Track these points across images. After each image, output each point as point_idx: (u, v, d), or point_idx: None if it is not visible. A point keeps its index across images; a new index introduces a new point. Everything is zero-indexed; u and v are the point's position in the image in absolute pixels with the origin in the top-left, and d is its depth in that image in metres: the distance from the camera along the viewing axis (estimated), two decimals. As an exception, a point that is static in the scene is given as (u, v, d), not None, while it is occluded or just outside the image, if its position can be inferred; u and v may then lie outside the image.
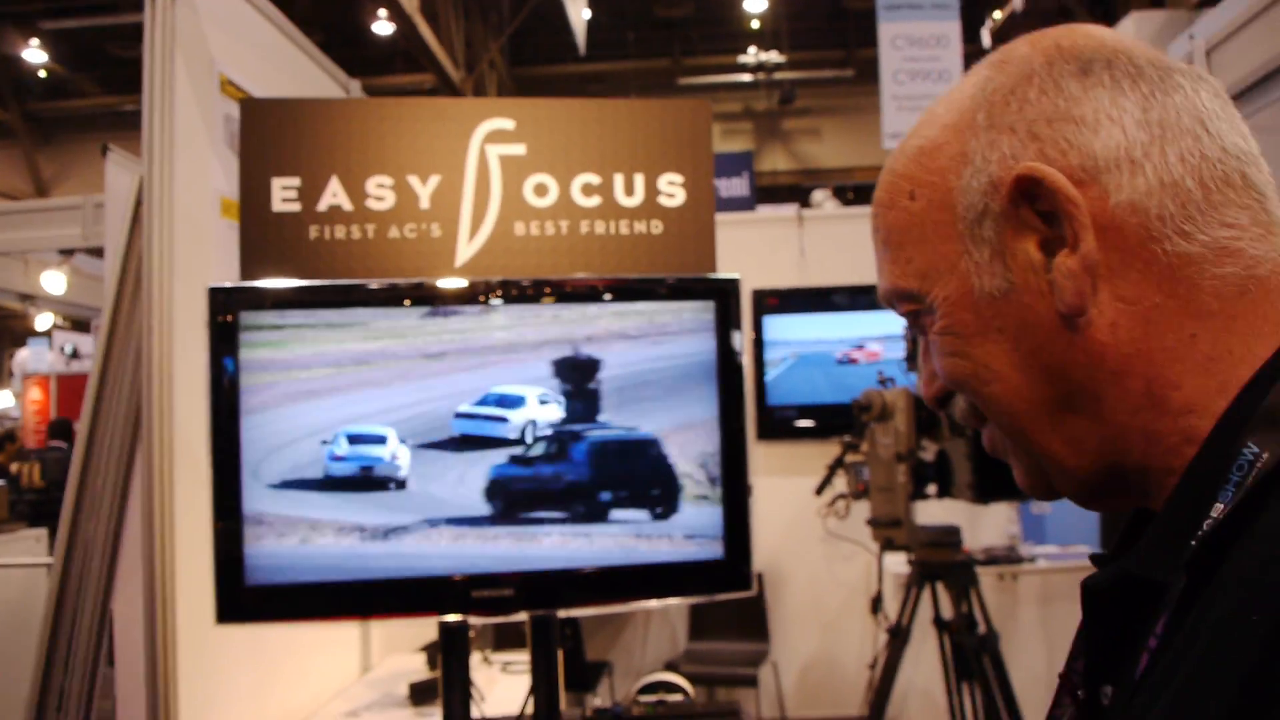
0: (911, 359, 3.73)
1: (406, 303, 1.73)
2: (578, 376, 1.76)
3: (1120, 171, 0.57)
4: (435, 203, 1.95)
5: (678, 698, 1.89)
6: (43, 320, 7.46)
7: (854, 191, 14.34)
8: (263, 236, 1.91)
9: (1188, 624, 0.50)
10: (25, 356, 12.10)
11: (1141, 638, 0.54)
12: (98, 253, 5.75)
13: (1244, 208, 0.57)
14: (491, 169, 1.95)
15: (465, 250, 1.94)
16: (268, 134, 1.92)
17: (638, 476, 1.80)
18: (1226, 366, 0.56)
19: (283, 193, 1.91)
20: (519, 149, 1.96)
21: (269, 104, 1.97)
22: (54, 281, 4.84)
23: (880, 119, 7.78)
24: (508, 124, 1.99)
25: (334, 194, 1.92)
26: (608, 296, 1.79)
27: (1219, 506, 0.51)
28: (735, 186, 7.42)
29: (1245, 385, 0.55)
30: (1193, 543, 0.51)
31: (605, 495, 1.77)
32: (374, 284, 1.78)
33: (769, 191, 13.49)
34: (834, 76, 13.63)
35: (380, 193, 1.93)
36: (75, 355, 10.13)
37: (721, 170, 6.60)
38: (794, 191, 12.90)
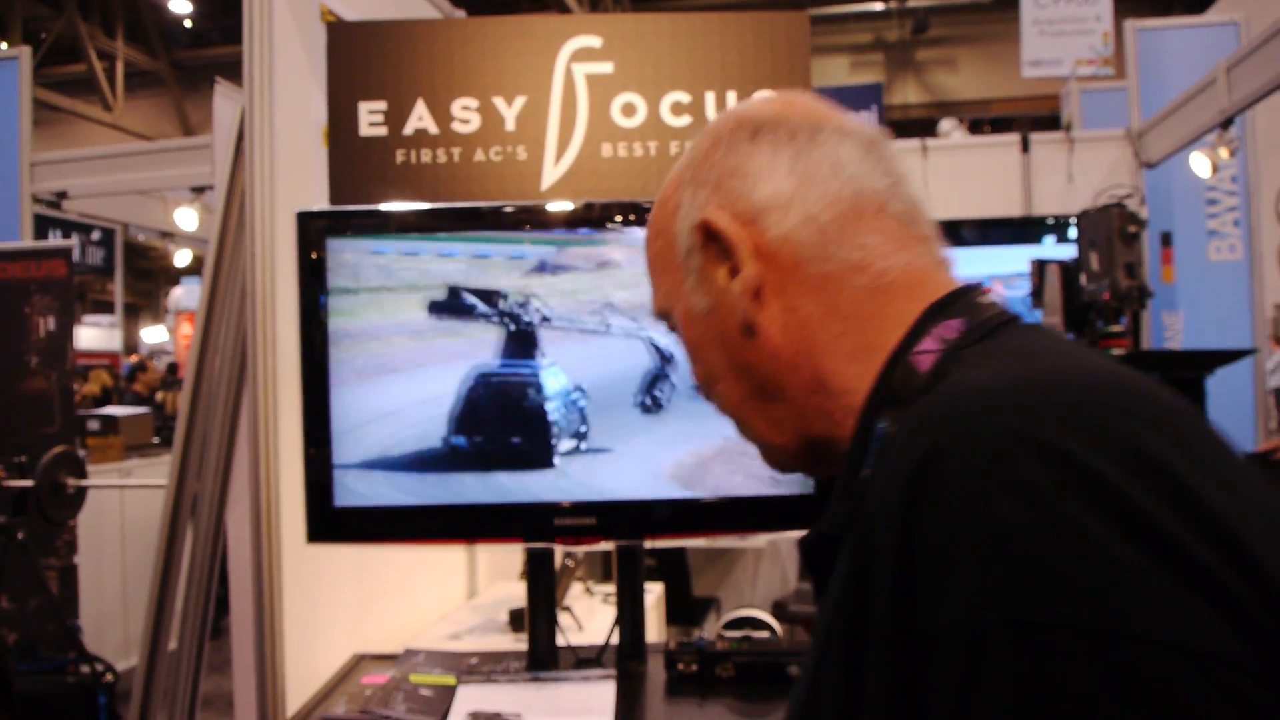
0: (1037, 294, 3.54)
1: (526, 227, 1.69)
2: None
3: (774, 211, 0.73)
4: (521, 125, 1.90)
5: (764, 634, 1.85)
6: (181, 256, 7.84)
7: (991, 124, 13.69)
8: (350, 162, 1.91)
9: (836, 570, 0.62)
10: (179, 294, 12.79)
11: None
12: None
13: (875, 230, 0.72)
14: (578, 88, 1.89)
15: (551, 173, 1.90)
16: (353, 57, 1.91)
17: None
18: (868, 355, 0.69)
19: (369, 117, 1.90)
20: (606, 67, 1.90)
21: (354, 27, 1.95)
22: (186, 218, 5.05)
23: (1020, 45, 7.36)
24: (594, 41, 1.93)
25: (420, 117, 1.90)
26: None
27: (867, 471, 0.64)
28: (863, 121, 7.17)
29: (881, 369, 0.68)
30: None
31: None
32: (451, 208, 1.75)
33: (900, 125, 13.00)
34: (971, 2, 12.97)
35: (465, 115, 1.90)
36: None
37: (848, 104, 6.34)
38: (926, 125, 12.40)
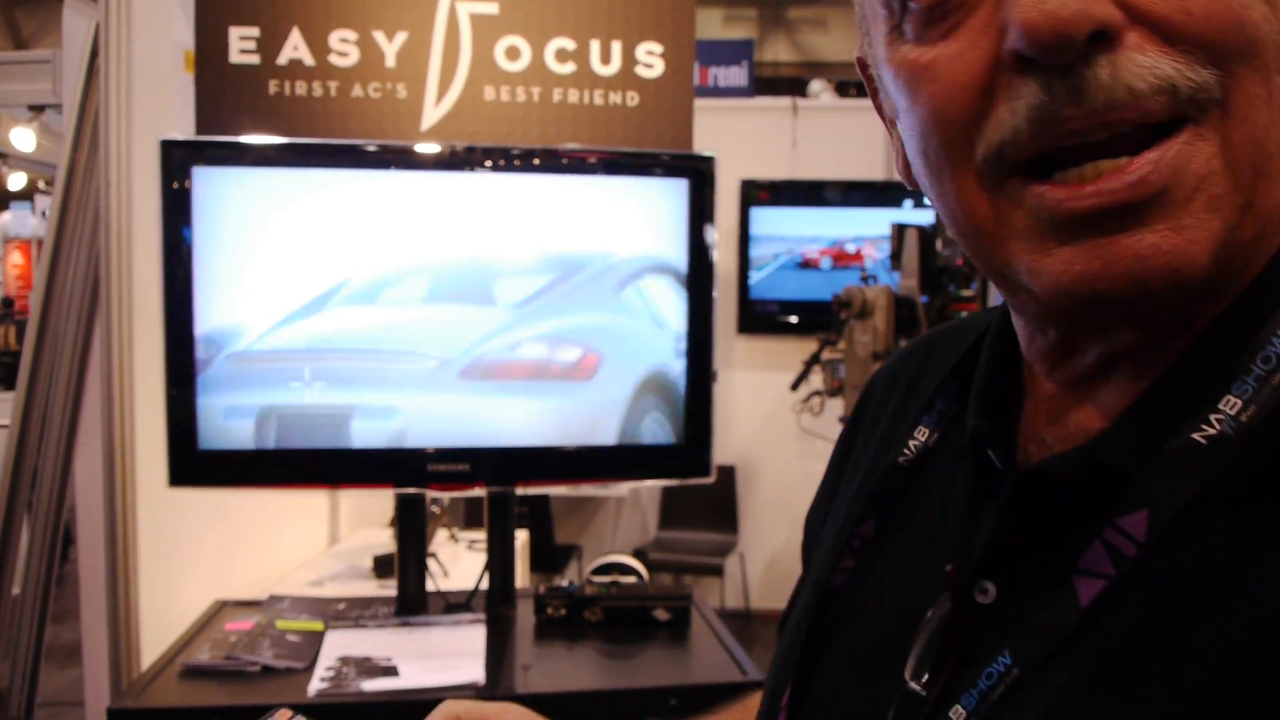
0: (895, 257, 3.68)
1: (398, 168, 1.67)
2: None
3: None
4: (401, 61, 1.85)
5: (631, 579, 1.90)
6: (15, 179, 7.26)
7: (856, 88, 14.01)
8: (219, 90, 1.82)
9: (1192, 544, 0.42)
10: (7, 220, 11.90)
11: (1076, 534, 0.46)
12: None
13: None
14: (462, 28, 1.85)
15: (432, 114, 1.85)
16: (225, -22, 1.82)
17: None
18: None
19: (240, 43, 1.81)
20: (491, 7, 1.86)
21: (226, -54, 1.85)
22: (23, 139, 4.68)
23: (887, 11, 7.52)
24: (481, -19, 1.89)
25: (295, 47, 1.82)
26: (575, 170, 1.74)
27: (1233, 400, 0.43)
28: (734, 76, 7.19)
29: None
30: (1199, 439, 0.43)
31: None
32: (361, 144, 1.71)
33: (769, 83, 13.12)
34: (843, -35, 13.17)
35: (344, 48, 1.84)
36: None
37: (720, 58, 6.40)
38: (795, 84, 12.57)
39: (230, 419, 1.67)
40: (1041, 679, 0.44)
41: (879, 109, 0.56)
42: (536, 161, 1.74)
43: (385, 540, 2.95)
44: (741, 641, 1.68)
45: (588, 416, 1.74)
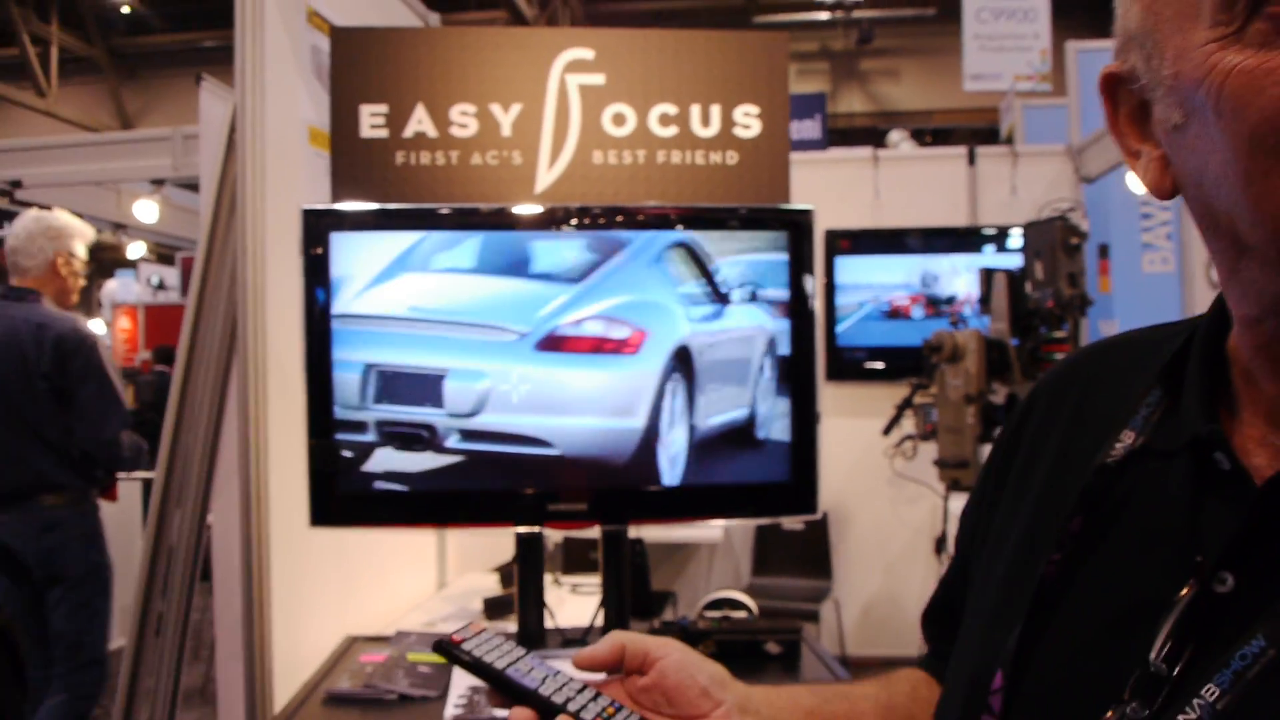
0: (985, 301, 3.71)
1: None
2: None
3: None
4: (517, 130, 2.00)
5: (742, 614, 1.97)
6: (134, 249, 7.75)
7: (932, 135, 14.01)
8: (351, 162, 1.98)
9: None
10: (113, 287, 12.55)
11: None
12: (186, 184, 5.96)
13: None
14: (571, 98, 1.99)
15: (545, 178, 1.99)
16: (356, 62, 1.99)
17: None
18: None
19: (371, 119, 1.98)
20: (598, 79, 2.00)
21: (358, 33, 2.03)
22: (146, 210, 5.01)
23: (961, 59, 7.58)
24: (587, 54, 2.03)
25: (419, 121, 1.98)
26: (680, 226, 1.84)
27: None
28: (807, 129, 7.29)
29: None
30: None
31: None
32: (448, 208, 1.84)
33: (844, 134, 13.23)
34: (915, 15, 13.25)
35: (464, 120, 1.99)
36: (161, 286, 10.47)
37: (793, 112, 6.50)
38: (870, 134, 12.63)
39: (365, 466, 1.79)
40: None
41: (1120, 129, 0.61)
42: (641, 219, 1.86)
43: (491, 584, 3.05)
44: (845, 681, 1.73)
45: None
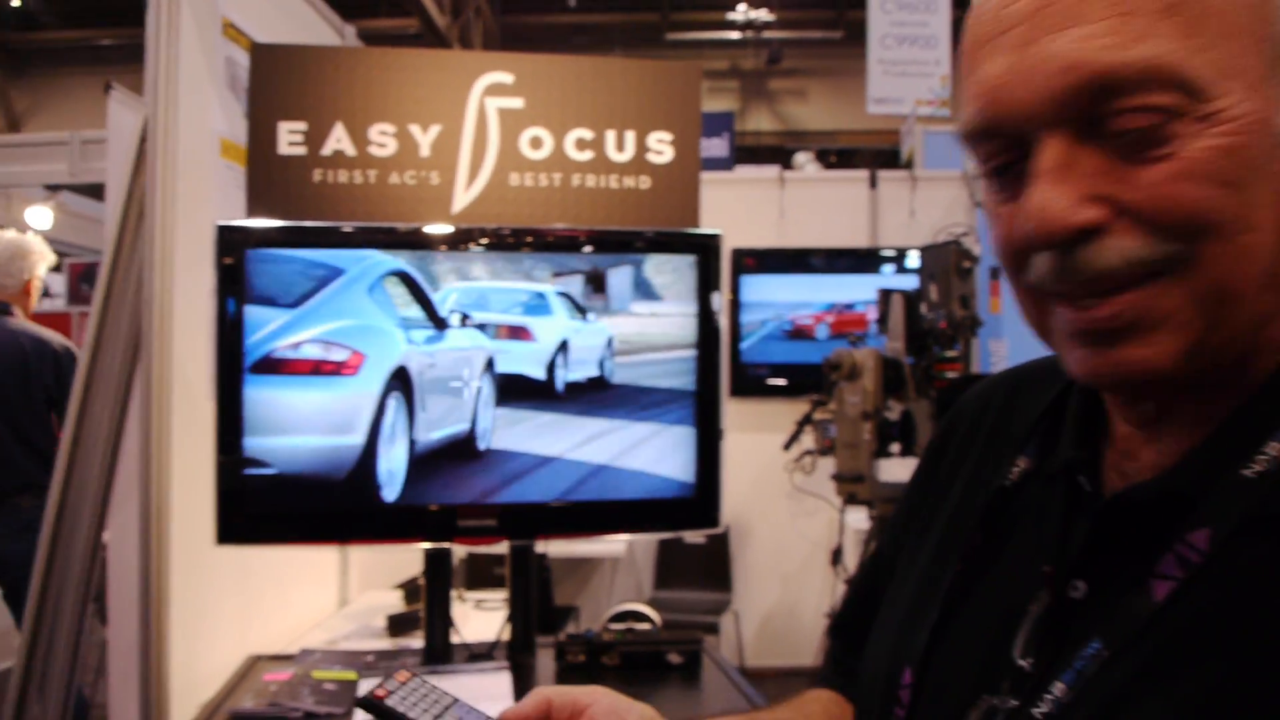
0: (882, 320, 3.85)
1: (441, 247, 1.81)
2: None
3: None
4: (435, 151, 2.03)
5: (645, 626, 2.02)
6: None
7: (837, 155, 14.37)
8: (268, 178, 1.98)
9: (1240, 556, 0.55)
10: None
11: (1152, 545, 0.59)
12: (83, 190, 5.76)
13: None
14: (490, 120, 2.03)
15: (462, 198, 2.02)
16: (276, 79, 1.99)
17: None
18: None
19: (289, 136, 1.98)
20: (517, 102, 2.04)
21: (279, 49, 2.03)
22: (40, 217, 4.84)
23: (866, 82, 7.81)
24: (507, 78, 2.07)
25: (338, 139, 1.99)
26: (588, 248, 1.89)
27: (1275, 445, 0.56)
28: (714, 147, 7.42)
29: None
30: (1249, 474, 0.57)
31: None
32: (350, 227, 1.86)
33: (751, 152, 13.47)
34: (822, 37, 13.60)
35: (382, 139, 2.01)
36: (46, 294, 10.06)
37: (702, 130, 6.62)
38: (777, 153, 12.88)
39: (272, 480, 1.79)
40: (1124, 659, 0.57)
41: None
42: (550, 240, 1.90)
43: (394, 601, 3.04)
44: (744, 691, 1.80)
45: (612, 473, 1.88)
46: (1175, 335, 0.56)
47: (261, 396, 1.77)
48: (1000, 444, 0.77)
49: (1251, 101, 0.54)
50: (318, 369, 1.77)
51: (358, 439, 1.79)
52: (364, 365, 1.79)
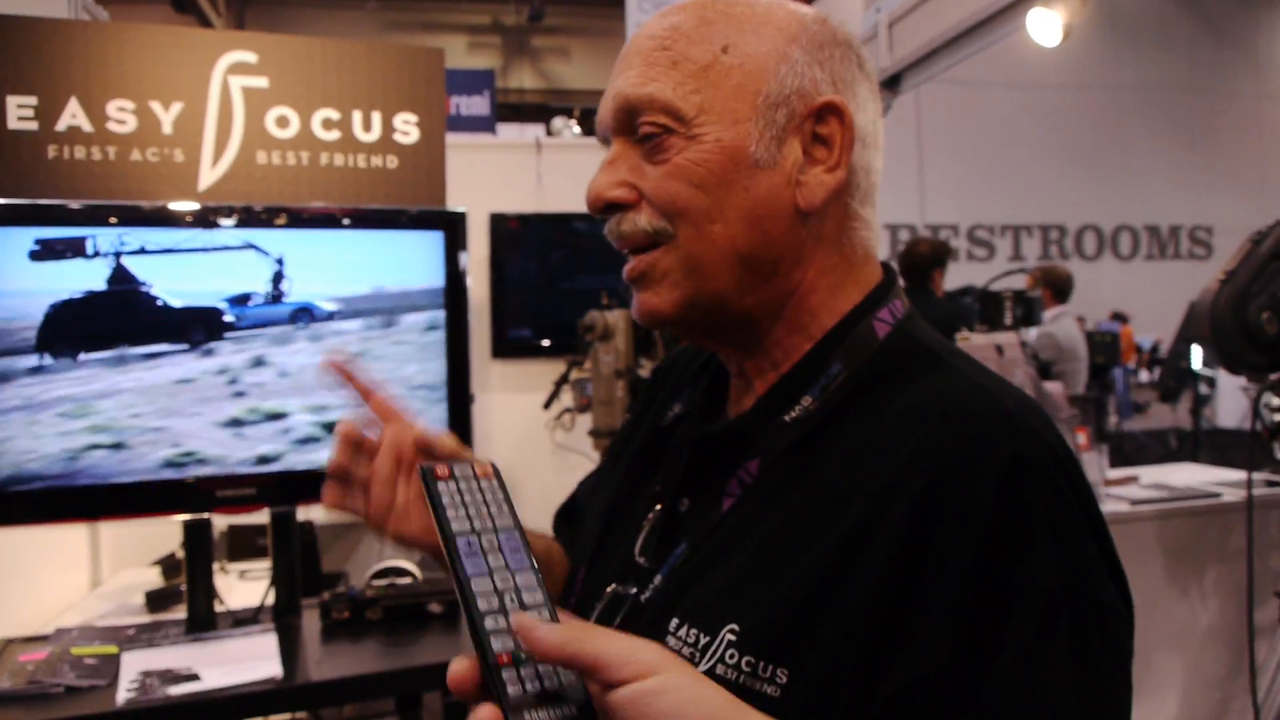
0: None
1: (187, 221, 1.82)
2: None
3: (862, 144, 0.80)
4: (178, 129, 2.03)
5: (407, 580, 2.14)
6: None
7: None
8: (-3, 154, 1.93)
9: (775, 476, 0.76)
10: None
11: (728, 468, 0.79)
12: None
13: (871, 205, 0.84)
14: (234, 99, 2.05)
15: (208, 176, 2.04)
16: (4, 50, 1.92)
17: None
18: (841, 297, 0.81)
19: (18, 110, 1.93)
20: (261, 82, 2.07)
21: (8, 20, 1.95)
22: None
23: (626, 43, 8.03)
24: (250, 57, 2.09)
25: (73, 114, 1.96)
26: (346, 222, 1.97)
27: (808, 399, 0.78)
28: (475, 105, 7.39)
29: (842, 317, 0.80)
30: (786, 419, 0.78)
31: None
32: (93, 204, 1.85)
33: (516, 109, 13.46)
34: (582, -3, 13.69)
35: (121, 116, 1.99)
36: None
37: (462, 88, 6.62)
38: (542, 110, 12.94)
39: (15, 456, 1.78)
40: (698, 554, 0.78)
41: None
42: (304, 217, 1.96)
43: (152, 578, 2.98)
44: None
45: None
46: (671, 289, 0.79)
47: None
48: (671, 392, 0.98)
49: (729, 133, 0.76)
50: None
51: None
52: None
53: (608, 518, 0.92)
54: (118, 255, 1.79)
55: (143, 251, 1.81)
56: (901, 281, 0.87)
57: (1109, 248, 8.31)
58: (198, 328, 1.86)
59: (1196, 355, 6.83)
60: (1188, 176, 8.38)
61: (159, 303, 1.82)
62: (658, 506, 0.85)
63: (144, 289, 1.81)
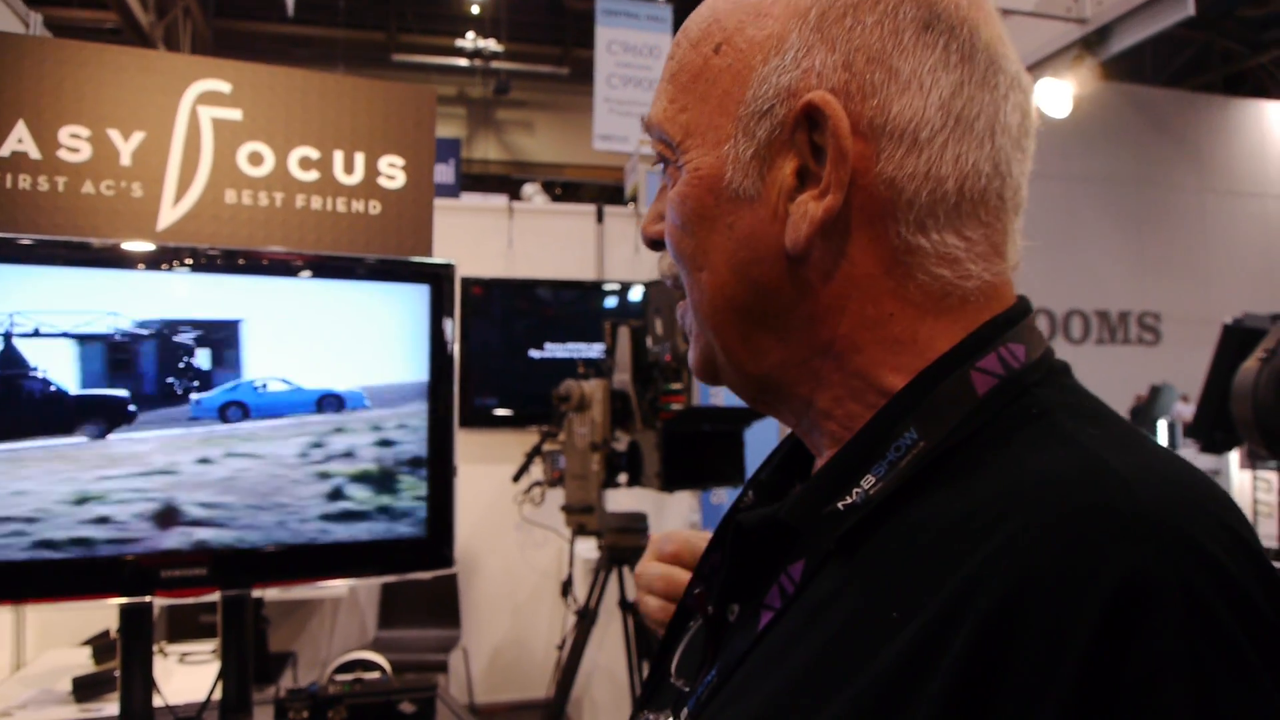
0: (610, 353, 3.92)
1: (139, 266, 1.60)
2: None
3: (902, 142, 0.57)
4: (138, 161, 1.83)
5: (375, 676, 1.91)
6: None
7: (562, 188, 14.61)
8: (-70, 180, 1.71)
9: (822, 584, 0.57)
10: None
11: (774, 569, 0.61)
12: None
13: (984, 225, 0.60)
14: (203, 131, 1.86)
15: (169, 214, 1.83)
16: (-59, 67, 1.72)
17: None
18: (910, 352, 0.59)
19: (-43, 134, 1.72)
20: (235, 114, 1.88)
21: (-57, 34, 1.77)
22: None
23: (592, 119, 8.02)
24: (224, 86, 1.91)
25: (19, 139, 1.75)
26: (306, 273, 1.74)
27: (870, 479, 0.57)
28: (440, 173, 7.34)
29: (919, 374, 0.59)
30: (840, 506, 0.58)
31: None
32: (31, 240, 1.63)
33: (479, 180, 13.44)
34: (550, 72, 13.82)
35: (75, 144, 1.79)
36: None
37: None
38: (504, 182, 12.92)
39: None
40: (726, 686, 0.61)
41: None
42: (265, 263, 1.75)
43: (82, 660, 2.72)
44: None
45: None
46: (695, 344, 0.68)
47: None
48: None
49: (708, 158, 0.61)
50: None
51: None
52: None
53: (678, 614, 0.75)
54: (7, 336, 1.54)
55: (36, 334, 1.56)
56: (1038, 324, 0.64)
57: (1060, 331, 8.42)
58: (97, 419, 1.60)
59: (1162, 430, 6.78)
60: (1136, 264, 8.53)
61: (51, 389, 1.56)
62: (709, 610, 0.66)
63: (33, 374, 1.56)
